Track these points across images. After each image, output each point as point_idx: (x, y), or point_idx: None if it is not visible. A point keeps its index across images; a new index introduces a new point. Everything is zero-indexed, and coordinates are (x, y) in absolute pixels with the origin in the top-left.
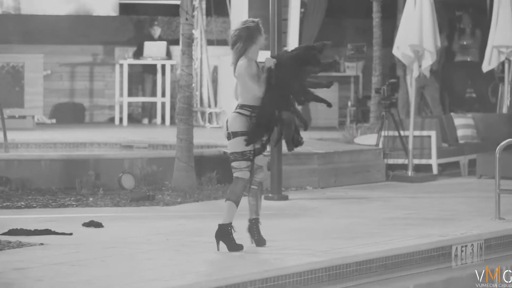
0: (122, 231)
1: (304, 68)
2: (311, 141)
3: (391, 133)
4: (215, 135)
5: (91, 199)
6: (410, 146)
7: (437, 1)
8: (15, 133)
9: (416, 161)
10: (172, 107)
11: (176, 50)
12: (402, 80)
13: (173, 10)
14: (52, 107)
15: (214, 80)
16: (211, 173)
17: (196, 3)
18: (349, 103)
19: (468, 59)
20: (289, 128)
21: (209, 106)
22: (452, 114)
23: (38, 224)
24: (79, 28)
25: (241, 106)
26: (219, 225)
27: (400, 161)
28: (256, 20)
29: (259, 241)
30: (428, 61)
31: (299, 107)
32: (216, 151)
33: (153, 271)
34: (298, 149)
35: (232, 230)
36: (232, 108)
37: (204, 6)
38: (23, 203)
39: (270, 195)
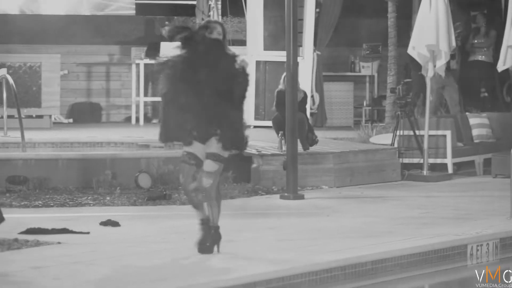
0: (139, 230)
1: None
2: (327, 140)
3: (406, 132)
4: None
5: (108, 198)
6: (425, 145)
7: (452, 2)
8: (32, 133)
9: (431, 160)
10: None
11: None
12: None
13: (190, 10)
14: (69, 107)
15: None
16: (227, 172)
17: (212, 3)
18: (364, 103)
19: (481, 58)
20: (302, 127)
21: None
22: (467, 113)
23: (55, 223)
24: (95, 28)
25: None
26: None
27: (415, 160)
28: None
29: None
30: (442, 60)
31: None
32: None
33: (169, 270)
34: (313, 149)
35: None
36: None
37: (219, 6)
38: (40, 202)
39: (286, 194)
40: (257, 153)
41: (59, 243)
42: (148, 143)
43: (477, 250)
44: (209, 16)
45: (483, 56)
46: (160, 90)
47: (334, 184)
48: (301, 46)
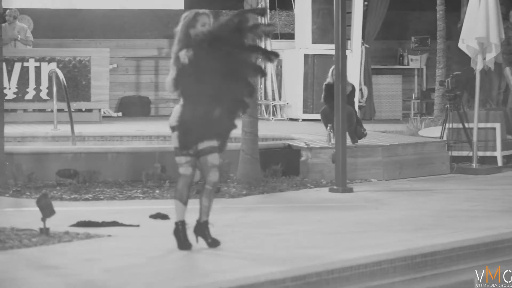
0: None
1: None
2: (375, 133)
3: (455, 125)
4: (279, 127)
5: (157, 191)
6: (475, 138)
7: None
8: (82, 126)
9: (481, 153)
10: None
11: None
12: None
13: (238, 4)
14: (118, 101)
15: (278, 73)
16: (276, 166)
17: None
18: (413, 96)
19: None
20: (351, 120)
21: (273, 99)
22: None
23: (105, 216)
24: (144, 22)
25: None
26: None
27: (464, 153)
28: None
29: (213, 243)
30: (493, 53)
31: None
32: (281, 143)
33: (218, 263)
34: (362, 142)
35: (180, 227)
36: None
37: None
38: (90, 195)
39: (335, 187)
40: (306, 146)
41: (109, 236)
42: None
43: None
44: None
45: None
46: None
47: (383, 177)
48: (349, 39)
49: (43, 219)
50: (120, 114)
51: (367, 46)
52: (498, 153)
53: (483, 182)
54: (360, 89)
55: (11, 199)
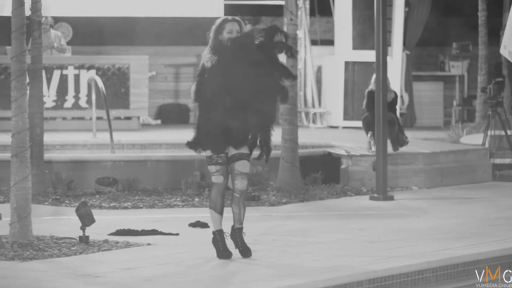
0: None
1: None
2: (417, 141)
3: (497, 132)
4: (319, 135)
5: (196, 199)
6: None
7: None
8: (120, 134)
9: None
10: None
11: None
12: (508, 79)
13: (277, 11)
14: (157, 108)
15: (318, 80)
16: (316, 173)
17: (300, 3)
18: (454, 103)
19: None
20: (392, 128)
21: (313, 106)
22: None
23: (145, 225)
24: (183, 30)
25: None
26: None
27: (507, 160)
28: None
29: (244, 251)
30: None
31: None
32: (321, 151)
33: (259, 272)
34: (403, 149)
35: (218, 237)
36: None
37: (308, 6)
38: (129, 203)
39: (375, 195)
40: (346, 153)
41: (149, 244)
42: None
43: None
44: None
45: None
46: (196, 98)
47: (424, 185)
48: (390, 45)
49: (83, 228)
50: (159, 121)
51: (408, 52)
52: None
53: None
54: (401, 96)
55: (50, 207)
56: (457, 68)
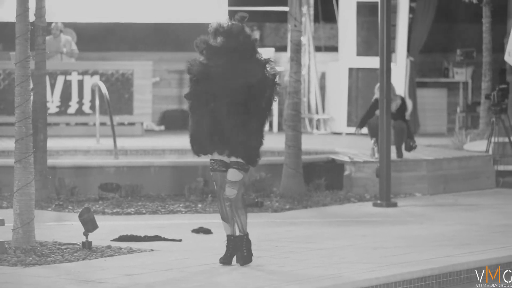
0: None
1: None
2: (420, 147)
3: (501, 139)
4: (323, 141)
5: (199, 205)
6: None
7: None
8: (124, 140)
9: None
10: (280, 114)
11: (283, 56)
12: None
13: (281, 17)
14: (160, 114)
15: (322, 87)
16: (319, 180)
17: (304, 10)
18: (458, 109)
19: None
20: (400, 136)
21: (317, 112)
22: None
23: (148, 230)
24: (187, 36)
25: None
26: None
27: (510, 167)
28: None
29: (242, 259)
30: None
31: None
32: (324, 157)
33: (263, 278)
34: (406, 156)
35: (227, 241)
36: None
37: (312, 12)
38: (133, 209)
39: (379, 202)
40: (350, 160)
41: (151, 250)
42: None
43: None
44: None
45: None
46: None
47: (427, 192)
48: (394, 52)
49: (86, 233)
50: (162, 127)
51: (412, 59)
52: None
53: None
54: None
55: (53, 213)
56: (461, 74)
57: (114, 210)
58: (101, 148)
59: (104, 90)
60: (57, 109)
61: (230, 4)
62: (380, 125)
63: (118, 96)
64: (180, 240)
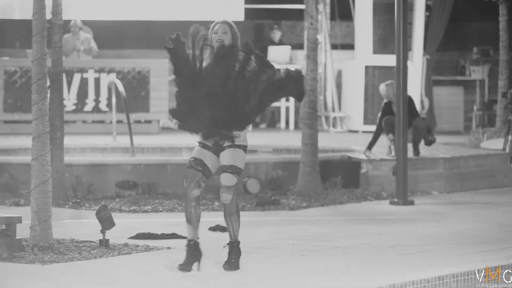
0: (247, 235)
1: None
2: (437, 145)
3: None
4: (339, 139)
5: (216, 203)
6: None
7: None
8: (140, 138)
9: None
10: (296, 112)
11: (299, 54)
12: None
13: (297, 15)
14: None
15: (338, 85)
16: (336, 178)
17: (320, 7)
18: (475, 107)
19: None
20: (418, 134)
21: (333, 110)
22: None
23: (165, 228)
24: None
25: None
26: None
27: None
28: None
29: (229, 264)
30: None
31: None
32: (341, 155)
33: (282, 275)
34: (423, 154)
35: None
36: (356, 112)
37: (328, 10)
38: (149, 207)
39: (395, 200)
40: (366, 158)
41: (168, 248)
42: (256, 148)
43: None
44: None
45: None
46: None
47: (444, 190)
48: (410, 50)
49: (103, 231)
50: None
51: (428, 57)
52: None
53: None
54: (421, 101)
55: (70, 211)
56: (477, 72)
57: (131, 208)
58: (118, 146)
59: (121, 87)
60: (74, 107)
61: (246, 2)
62: (397, 123)
63: (134, 94)
64: (198, 238)
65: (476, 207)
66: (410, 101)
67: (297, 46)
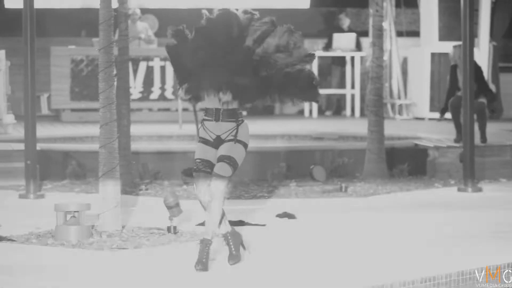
0: (315, 223)
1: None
2: (504, 132)
3: None
4: (405, 126)
5: (282, 191)
6: None
7: None
8: None
9: None
10: (362, 99)
11: (365, 42)
12: None
13: (362, 2)
14: None
15: (404, 72)
16: (403, 165)
17: None
18: None
19: None
20: (482, 119)
21: (399, 97)
22: None
23: (231, 216)
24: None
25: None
26: None
27: None
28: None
29: (231, 257)
30: None
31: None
32: (407, 142)
33: (345, 264)
34: (490, 141)
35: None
36: (422, 99)
37: None
38: None
39: (463, 186)
40: (433, 145)
41: None
42: (322, 135)
43: None
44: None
45: None
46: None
47: None
48: (476, 37)
49: (171, 218)
50: (245, 113)
51: (495, 43)
52: None
53: None
54: None
55: (137, 198)
56: None
57: None
58: (184, 134)
59: None
60: (140, 95)
61: None
62: (464, 110)
63: None
64: (264, 225)
65: None
66: (477, 70)
67: (362, 33)
